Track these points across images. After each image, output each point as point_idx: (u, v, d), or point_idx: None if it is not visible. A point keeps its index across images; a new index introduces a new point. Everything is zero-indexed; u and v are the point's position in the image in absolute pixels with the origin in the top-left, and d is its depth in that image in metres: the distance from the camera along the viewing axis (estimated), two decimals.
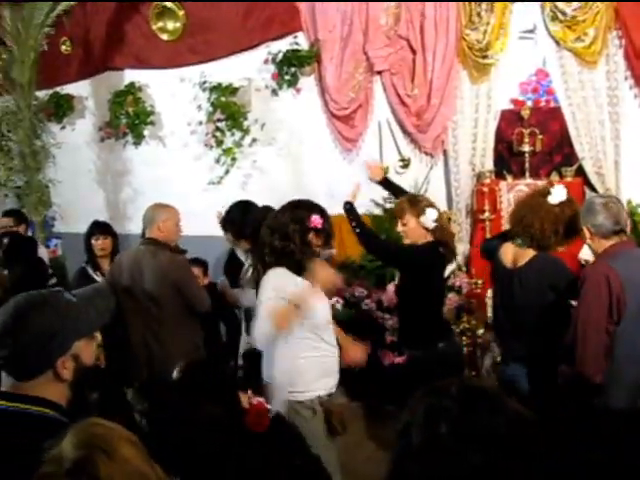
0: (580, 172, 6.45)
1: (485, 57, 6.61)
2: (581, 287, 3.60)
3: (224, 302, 5.12)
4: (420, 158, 7.17)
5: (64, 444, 1.50)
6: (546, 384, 3.99)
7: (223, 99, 7.46)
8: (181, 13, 7.80)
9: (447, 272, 6.35)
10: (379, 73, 7.08)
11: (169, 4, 7.81)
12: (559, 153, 6.64)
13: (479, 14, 6.56)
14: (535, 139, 6.48)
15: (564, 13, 6.28)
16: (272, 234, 3.62)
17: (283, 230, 3.59)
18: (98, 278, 5.47)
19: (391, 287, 6.01)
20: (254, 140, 7.57)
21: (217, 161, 7.67)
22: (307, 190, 6.99)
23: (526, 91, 6.70)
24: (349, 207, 4.52)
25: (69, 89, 8.65)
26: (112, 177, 8.67)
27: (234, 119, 7.46)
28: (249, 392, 2.41)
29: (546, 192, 4.10)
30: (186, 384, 2.39)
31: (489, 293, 6.13)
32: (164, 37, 7.97)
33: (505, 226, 6.26)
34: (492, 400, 1.39)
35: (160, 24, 7.94)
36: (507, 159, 6.78)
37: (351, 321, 6.09)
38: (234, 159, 7.62)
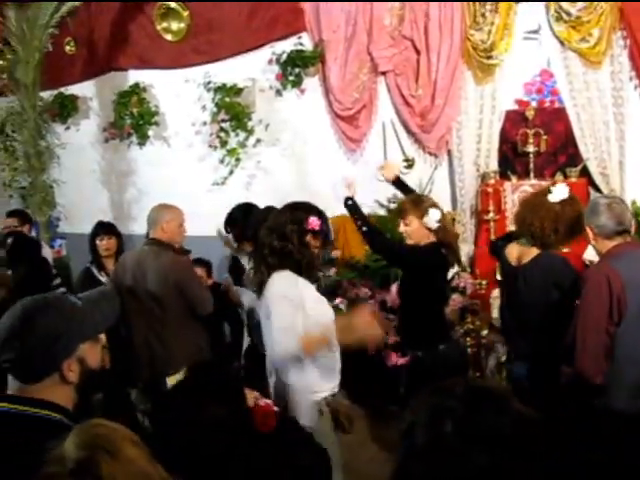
0: (585, 173, 6.45)
1: (489, 57, 6.61)
2: (582, 287, 3.61)
3: (227, 300, 5.12)
4: (424, 158, 7.17)
5: (67, 445, 1.50)
6: (547, 383, 4.00)
7: (227, 99, 7.46)
8: (185, 14, 7.80)
9: (451, 274, 6.38)
10: (383, 73, 7.07)
11: (173, 4, 7.81)
12: (563, 154, 6.64)
13: (483, 14, 6.56)
14: (539, 140, 6.47)
15: (569, 13, 6.27)
16: (271, 234, 3.62)
17: (281, 230, 3.59)
18: (103, 278, 5.47)
19: (395, 287, 6.00)
20: (258, 140, 7.57)
21: (221, 161, 7.67)
22: (311, 190, 7.00)
23: (530, 92, 6.70)
24: (351, 203, 4.49)
25: (73, 90, 8.66)
26: (116, 177, 8.68)
27: (238, 119, 7.46)
28: (256, 394, 2.41)
29: (547, 191, 4.12)
30: (190, 385, 2.39)
31: (493, 294, 6.13)
32: (168, 37, 7.98)
33: (509, 227, 6.28)
34: (497, 400, 1.38)
35: (164, 24, 7.94)
36: (511, 160, 6.78)
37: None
38: (238, 159, 7.62)
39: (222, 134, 7.56)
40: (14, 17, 7.65)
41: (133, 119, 8.05)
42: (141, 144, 8.26)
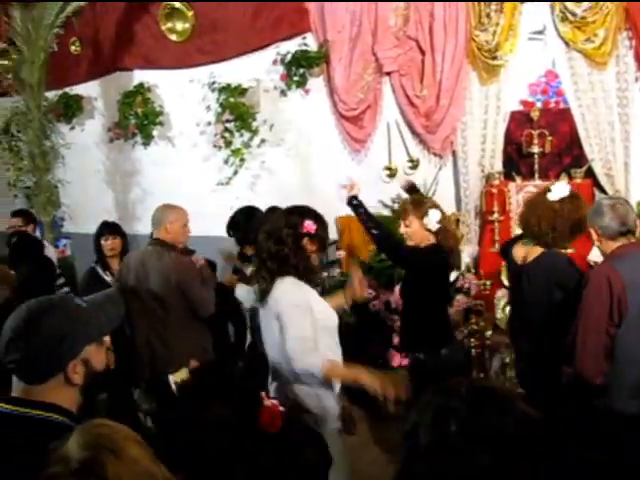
0: (590, 174, 6.44)
1: (494, 58, 6.60)
2: (583, 288, 3.61)
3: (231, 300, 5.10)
4: (429, 159, 7.16)
5: (69, 445, 1.50)
6: (547, 383, 4.01)
7: (232, 100, 7.47)
8: (190, 14, 7.81)
9: (454, 275, 6.37)
10: (388, 74, 7.07)
11: (178, 5, 7.82)
12: (568, 154, 6.62)
13: (488, 15, 6.55)
14: (544, 140, 6.46)
15: (574, 14, 6.26)
16: (268, 239, 3.61)
17: (277, 234, 3.57)
18: (108, 278, 5.48)
19: (398, 288, 6.00)
20: (263, 141, 7.57)
21: (226, 162, 7.67)
22: (315, 191, 7.01)
23: (535, 92, 6.69)
24: (357, 202, 4.41)
25: (78, 90, 8.68)
26: (121, 177, 8.69)
27: (243, 120, 7.46)
28: (263, 394, 2.41)
29: (547, 189, 4.13)
30: (193, 385, 2.39)
31: (498, 294, 6.12)
32: (173, 38, 7.99)
33: (514, 228, 6.27)
34: (501, 401, 1.38)
35: (169, 25, 7.95)
36: (516, 160, 6.77)
37: (359, 322, 6.11)
38: (243, 160, 7.62)
39: (226, 134, 7.57)
40: (19, 17, 7.68)
41: (138, 119, 8.06)
42: (146, 144, 8.28)
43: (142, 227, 7.20)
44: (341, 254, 6.98)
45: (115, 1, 8.12)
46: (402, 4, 6.84)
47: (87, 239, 5.99)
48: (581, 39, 6.28)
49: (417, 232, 4.35)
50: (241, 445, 2.12)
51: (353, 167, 7.36)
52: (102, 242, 5.61)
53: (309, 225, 3.57)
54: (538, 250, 4.10)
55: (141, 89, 8.12)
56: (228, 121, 7.50)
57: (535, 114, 6.51)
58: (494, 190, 6.44)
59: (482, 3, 6.56)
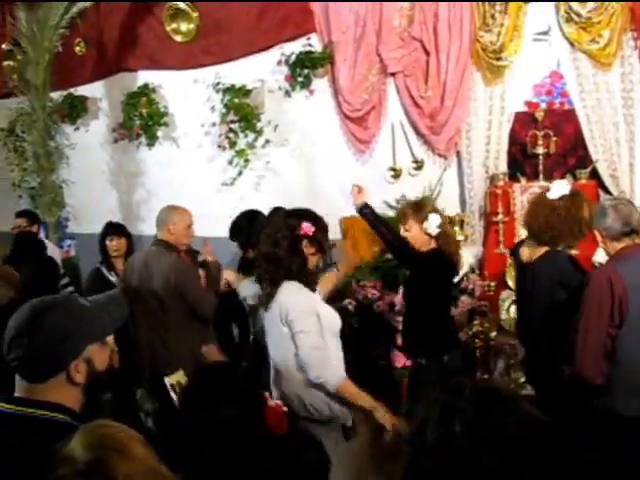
0: (594, 174, 6.43)
1: (499, 59, 6.60)
2: (585, 288, 3.63)
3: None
4: (433, 160, 7.15)
5: (74, 447, 1.50)
6: (549, 384, 4.02)
7: (236, 100, 7.47)
8: (195, 15, 7.81)
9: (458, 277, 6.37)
10: (392, 75, 7.06)
11: (183, 5, 7.82)
12: (573, 155, 6.62)
13: (493, 15, 6.55)
14: (549, 141, 6.46)
15: (579, 14, 6.25)
16: (265, 241, 3.62)
17: (273, 236, 3.57)
18: (112, 278, 5.50)
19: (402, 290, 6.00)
20: (267, 141, 7.57)
21: (230, 162, 7.66)
22: (320, 191, 7.01)
23: (540, 93, 6.68)
24: (369, 211, 4.29)
25: (83, 90, 8.68)
26: (125, 178, 8.69)
27: (247, 120, 7.46)
28: (266, 395, 2.40)
29: (548, 189, 4.15)
30: (196, 385, 2.39)
31: (502, 295, 6.12)
32: (178, 38, 7.99)
33: (518, 229, 6.27)
34: (505, 402, 1.39)
35: (174, 25, 7.95)
36: (521, 161, 6.77)
37: (363, 323, 6.11)
38: (247, 160, 7.62)
39: (231, 135, 7.57)
40: (24, 18, 7.69)
41: (142, 120, 8.06)
42: (150, 145, 8.27)
43: (146, 227, 7.21)
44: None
45: (120, 1, 8.12)
46: (406, 5, 6.84)
47: (91, 239, 6.00)
48: (586, 40, 6.27)
49: (417, 237, 4.33)
50: (244, 445, 2.12)
51: (357, 168, 7.36)
52: (107, 243, 5.62)
53: (307, 227, 3.55)
54: (542, 250, 4.11)
55: (146, 90, 8.12)
56: (232, 122, 7.50)
57: (540, 115, 6.50)
58: (498, 191, 6.44)
59: (487, 4, 6.56)
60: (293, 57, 7.22)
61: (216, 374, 2.42)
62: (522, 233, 6.12)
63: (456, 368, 4.37)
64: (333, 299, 6.03)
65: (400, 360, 5.82)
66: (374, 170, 7.21)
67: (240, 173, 7.68)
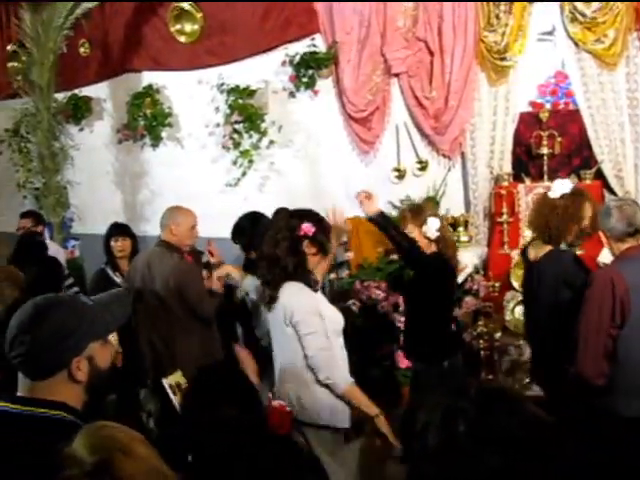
0: (599, 175, 6.42)
1: (503, 59, 6.59)
2: (587, 288, 3.64)
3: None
4: (438, 160, 7.15)
5: (78, 448, 1.51)
6: (552, 384, 4.02)
7: (240, 101, 7.47)
8: (199, 15, 7.82)
9: (462, 277, 6.35)
10: (397, 75, 7.06)
11: (187, 6, 7.83)
12: (578, 156, 6.61)
13: (497, 16, 6.53)
14: (554, 142, 6.45)
15: (584, 14, 6.24)
16: (266, 242, 3.63)
17: (274, 237, 3.59)
18: (117, 279, 5.50)
19: None
20: (271, 142, 7.57)
21: (234, 163, 7.67)
22: (324, 192, 7.01)
23: (545, 93, 6.67)
24: (382, 220, 4.16)
25: (87, 91, 8.70)
26: (130, 179, 8.70)
27: (251, 121, 7.46)
28: (269, 395, 2.40)
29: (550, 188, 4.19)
30: (200, 386, 2.39)
31: (507, 296, 6.11)
32: (182, 39, 7.99)
33: (523, 229, 6.26)
34: (509, 402, 1.38)
35: (178, 26, 7.96)
36: (525, 162, 6.76)
37: (367, 323, 6.10)
38: (251, 161, 7.62)
39: (235, 135, 7.57)
40: (29, 19, 7.71)
41: (146, 120, 8.07)
42: (154, 145, 8.28)
43: (151, 228, 7.21)
44: (350, 255, 6.97)
45: (124, 1, 8.13)
46: (411, 5, 6.83)
47: (96, 240, 6.00)
48: (591, 40, 6.26)
49: (417, 240, 4.33)
50: (244, 446, 2.12)
51: (362, 169, 7.36)
52: (112, 243, 5.62)
53: (307, 228, 3.55)
54: (546, 249, 4.13)
55: (150, 90, 8.13)
56: (237, 122, 7.50)
57: (544, 115, 6.49)
58: (503, 192, 6.43)
59: (491, 4, 6.55)
60: (297, 58, 7.21)
61: (218, 375, 2.42)
62: (527, 234, 6.11)
63: (456, 373, 4.35)
64: (337, 299, 6.05)
65: (404, 361, 5.81)
66: (378, 171, 7.21)
67: (244, 174, 7.68)
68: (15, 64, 8.74)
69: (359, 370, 3.94)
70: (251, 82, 7.51)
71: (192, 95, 7.90)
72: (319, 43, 7.28)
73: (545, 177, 6.43)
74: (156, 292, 4.62)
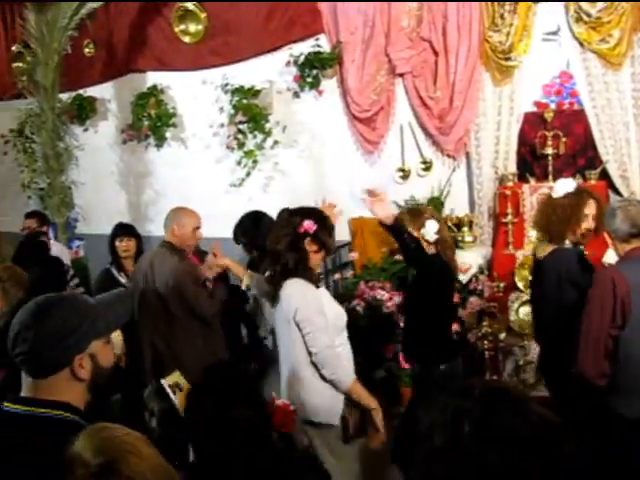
0: (604, 175, 6.40)
1: (508, 59, 6.58)
2: (590, 289, 3.64)
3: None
4: (442, 161, 7.14)
5: (82, 451, 1.51)
6: (558, 383, 4.02)
7: (245, 101, 7.47)
8: (203, 15, 7.82)
9: (467, 277, 6.35)
10: (401, 75, 7.05)
11: (191, 6, 7.83)
12: (583, 156, 6.59)
13: (502, 16, 6.52)
14: (558, 142, 6.43)
15: (589, 14, 6.23)
16: (269, 239, 3.70)
17: (276, 234, 3.66)
18: (122, 279, 5.51)
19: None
20: (276, 142, 7.57)
21: (239, 163, 7.67)
22: (328, 192, 6.95)
23: (549, 93, 6.66)
24: (397, 225, 3.97)
25: (92, 91, 8.71)
26: (134, 179, 8.71)
27: (256, 121, 7.46)
28: (273, 394, 2.40)
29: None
30: (203, 386, 2.40)
31: (511, 296, 6.10)
32: (186, 39, 8.00)
33: (528, 229, 6.25)
34: (514, 402, 1.38)
35: (182, 27, 7.97)
36: (530, 162, 6.74)
37: (372, 324, 6.10)
38: (255, 161, 7.62)
39: (239, 136, 7.57)
40: (34, 20, 7.71)
41: (151, 121, 8.07)
42: (159, 146, 8.29)
43: (155, 228, 7.22)
44: (354, 256, 6.97)
45: (129, 1, 8.14)
46: (415, 5, 6.83)
47: (100, 240, 6.01)
48: (596, 39, 6.25)
49: None
50: (250, 445, 2.12)
51: (366, 169, 7.36)
52: (117, 243, 5.63)
53: (308, 225, 3.59)
54: (551, 247, 4.14)
55: (154, 91, 8.13)
56: (241, 122, 7.50)
57: (549, 115, 6.48)
58: (508, 192, 6.42)
59: (496, 4, 6.54)
60: (302, 58, 7.21)
61: (225, 375, 2.42)
62: (531, 234, 6.11)
63: (455, 377, 4.31)
64: (341, 300, 6.05)
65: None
66: (383, 171, 7.21)
67: (248, 174, 7.68)
68: (20, 64, 8.75)
69: (364, 370, 3.95)
70: (255, 82, 7.51)
71: (196, 95, 7.91)
72: (323, 43, 7.28)
73: (550, 177, 6.41)
74: (158, 292, 4.64)
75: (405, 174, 7.21)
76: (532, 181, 6.55)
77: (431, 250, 4.32)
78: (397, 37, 6.90)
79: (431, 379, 4.24)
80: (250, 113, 7.44)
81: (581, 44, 6.38)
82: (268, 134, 7.54)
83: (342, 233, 6.80)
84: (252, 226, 5.12)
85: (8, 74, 9.03)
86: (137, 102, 8.12)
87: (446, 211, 6.89)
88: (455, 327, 5.83)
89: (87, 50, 8.64)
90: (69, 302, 2.10)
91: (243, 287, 4.31)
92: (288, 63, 7.38)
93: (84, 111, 8.63)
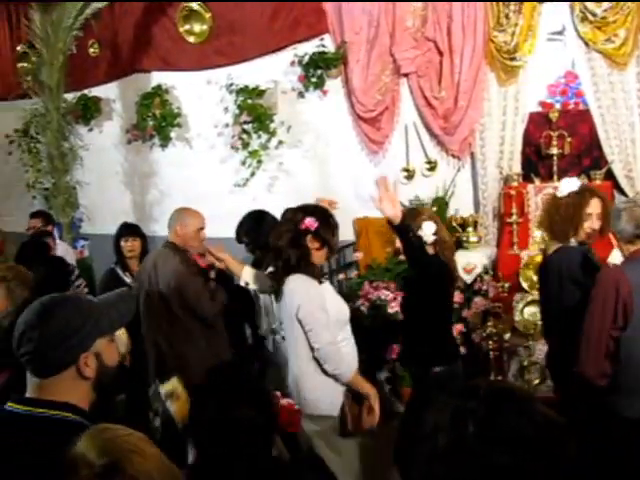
0: (609, 175, 6.39)
1: (513, 59, 6.57)
2: (593, 288, 3.63)
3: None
4: (447, 161, 7.14)
5: (86, 452, 1.51)
6: (560, 383, 4.01)
7: (249, 101, 7.47)
8: (208, 15, 7.83)
9: (471, 278, 6.34)
10: (406, 75, 7.05)
11: (196, 6, 7.84)
12: (588, 156, 6.58)
13: (507, 15, 6.51)
14: (563, 142, 6.43)
15: (594, 14, 6.22)
16: (272, 235, 3.74)
17: (279, 230, 3.71)
18: (127, 279, 5.51)
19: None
20: (280, 142, 7.57)
21: (243, 163, 7.67)
22: (333, 192, 6.96)
23: (554, 93, 6.65)
24: (405, 226, 3.85)
25: (97, 91, 8.72)
26: (139, 179, 8.72)
27: (260, 121, 7.47)
28: (277, 393, 2.40)
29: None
30: (207, 387, 2.39)
31: (516, 297, 6.09)
32: (191, 39, 8.01)
33: (532, 229, 6.24)
34: (519, 402, 1.37)
35: (187, 27, 7.98)
36: (535, 162, 6.74)
37: (376, 323, 6.09)
38: (260, 161, 7.62)
39: (244, 136, 7.58)
40: (39, 20, 7.73)
41: (155, 121, 8.08)
42: (163, 146, 8.30)
43: (159, 228, 7.22)
44: (359, 256, 6.96)
45: (134, 1, 8.15)
46: (420, 5, 6.82)
47: (105, 240, 6.01)
48: (601, 39, 6.24)
49: None
50: (255, 445, 2.12)
51: (370, 169, 7.35)
52: (122, 243, 5.63)
53: (309, 222, 3.62)
54: (556, 245, 4.14)
55: (159, 91, 8.14)
56: (246, 123, 7.50)
57: (554, 115, 6.47)
58: (512, 192, 6.41)
59: (501, 3, 6.53)
60: (306, 58, 7.21)
61: (227, 375, 2.42)
62: (536, 234, 6.10)
63: (453, 378, 4.24)
64: (345, 300, 6.04)
65: None
66: (387, 171, 7.18)
67: (253, 174, 7.69)
68: (25, 65, 8.77)
69: (367, 370, 3.94)
70: (260, 82, 7.52)
71: (201, 95, 7.91)
72: (328, 43, 7.28)
73: (555, 177, 6.40)
74: (161, 292, 4.63)
75: (410, 174, 7.20)
76: (537, 181, 6.54)
77: (429, 251, 4.31)
78: (402, 37, 6.89)
79: (427, 381, 4.20)
80: (255, 113, 7.44)
81: (586, 44, 6.37)
82: (273, 134, 7.54)
83: (346, 233, 6.80)
84: (254, 225, 5.10)
85: (13, 74, 9.06)
86: (142, 102, 8.12)
87: (451, 211, 6.89)
88: (460, 328, 5.84)
89: (92, 50, 8.66)
90: (73, 302, 2.11)
91: (241, 283, 4.33)
92: (293, 63, 7.38)
93: (89, 111, 8.64)
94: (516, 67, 6.59)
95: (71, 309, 2.05)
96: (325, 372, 3.60)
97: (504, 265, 6.37)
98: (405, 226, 3.90)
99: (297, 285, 3.60)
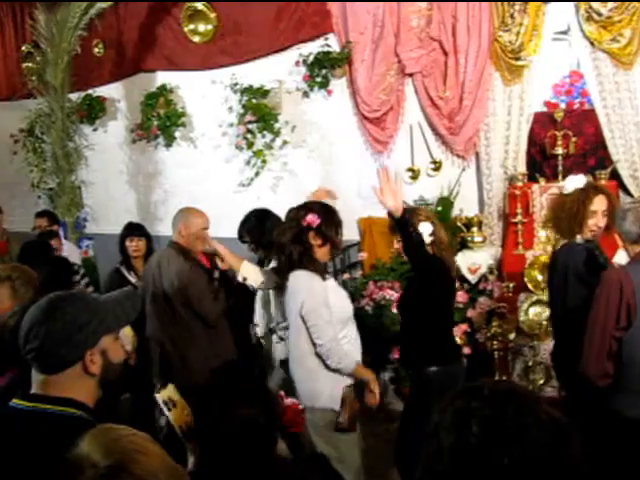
0: (615, 175, 6.37)
1: (518, 59, 6.56)
2: (597, 288, 3.61)
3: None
4: (452, 161, 7.12)
5: (90, 453, 1.51)
6: (563, 380, 4.01)
7: (254, 101, 7.47)
8: (212, 15, 7.83)
9: (476, 278, 6.34)
10: (410, 75, 7.04)
11: (201, 6, 7.84)
12: (593, 156, 6.57)
13: (512, 15, 6.50)
14: (568, 142, 6.41)
15: (599, 13, 6.20)
16: (276, 231, 3.83)
17: (282, 226, 3.79)
18: (132, 279, 5.52)
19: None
20: (285, 142, 7.57)
21: (248, 163, 7.68)
22: (338, 192, 6.98)
23: (560, 93, 6.64)
24: (406, 219, 3.82)
25: (101, 91, 8.74)
26: (143, 178, 8.73)
27: (265, 121, 7.47)
28: (281, 393, 2.41)
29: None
30: (212, 387, 2.40)
31: (521, 297, 6.08)
32: (195, 39, 8.01)
33: (537, 229, 6.24)
34: (523, 402, 1.37)
35: (192, 26, 7.98)
36: (540, 162, 6.73)
37: (379, 323, 6.09)
38: (265, 161, 7.62)
39: (249, 135, 7.57)
40: (44, 20, 7.75)
41: (160, 120, 8.09)
42: (168, 145, 8.30)
43: (164, 228, 7.22)
44: (363, 255, 6.96)
45: (138, 1, 8.15)
46: (425, 5, 6.81)
47: (110, 240, 6.02)
48: (606, 39, 6.22)
49: None
50: (259, 445, 2.12)
51: (375, 169, 7.33)
52: (127, 243, 5.64)
53: (311, 218, 3.67)
54: (563, 242, 4.15)
55: (164, 90, 8.15)
56: (250, 122, 7.50)
57: (559, 115, 6.46)
58: (517, 192, 6.40)
59: (506, 3, 6.52)
60: (311, 58, 7.20)
61: (230, 375, 2.42)
62: (541, 234, 6.09)
63: (451, 380, 4.19)
64: (350, 300, 6.04)
65: None
66: (392, 171, 7.18)
67: (257, 174, 7.69)
68: (30, 64, 8.78)
69: (371, 370, 3.93)
70: (265, 82, 7.52)
71: (206, 95, 7.92)
72: (333, 43, 7.27)
73: (560, 177, 6.38)
74: (165, 292, 4.64)
75: (414, 174, 7.19)
76: (542, 181, 6.53)
77: (429, 252, 4.30)
78: (407, 37, 6.88)
79: (421, 381, 4.17)
80: (259, 113, 7.44)
81: (591, 43, 6.35)
82: (277, 134, 7.54)
83: (351, 233, 6.80)
84: (257, 224, 5.10)
85: (18, 74, 9.08)
86: (146, 102, 8.14)
87: (455, 211, 6.88)
88: (464, 328, 5.84)
89: (97, 50, 8.67)
90: (79, 299, 2.12)
91: (239, 279, 4.34)
92: (297, 63, 7.37)
93: (93, 111, 8.66)
94: (521, 67, 6.57)
95: (77, 306, 2.07)
96: (327, 367, 3.64)
97: (509, 265, 6.37)
98: (406, 220, 3.89)
99: (300, 281, 3.65)
